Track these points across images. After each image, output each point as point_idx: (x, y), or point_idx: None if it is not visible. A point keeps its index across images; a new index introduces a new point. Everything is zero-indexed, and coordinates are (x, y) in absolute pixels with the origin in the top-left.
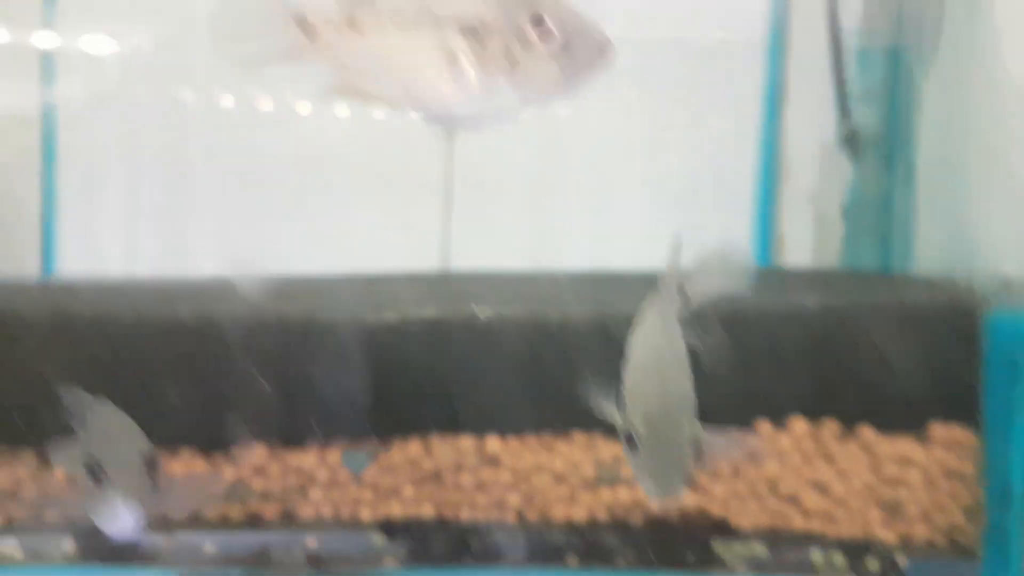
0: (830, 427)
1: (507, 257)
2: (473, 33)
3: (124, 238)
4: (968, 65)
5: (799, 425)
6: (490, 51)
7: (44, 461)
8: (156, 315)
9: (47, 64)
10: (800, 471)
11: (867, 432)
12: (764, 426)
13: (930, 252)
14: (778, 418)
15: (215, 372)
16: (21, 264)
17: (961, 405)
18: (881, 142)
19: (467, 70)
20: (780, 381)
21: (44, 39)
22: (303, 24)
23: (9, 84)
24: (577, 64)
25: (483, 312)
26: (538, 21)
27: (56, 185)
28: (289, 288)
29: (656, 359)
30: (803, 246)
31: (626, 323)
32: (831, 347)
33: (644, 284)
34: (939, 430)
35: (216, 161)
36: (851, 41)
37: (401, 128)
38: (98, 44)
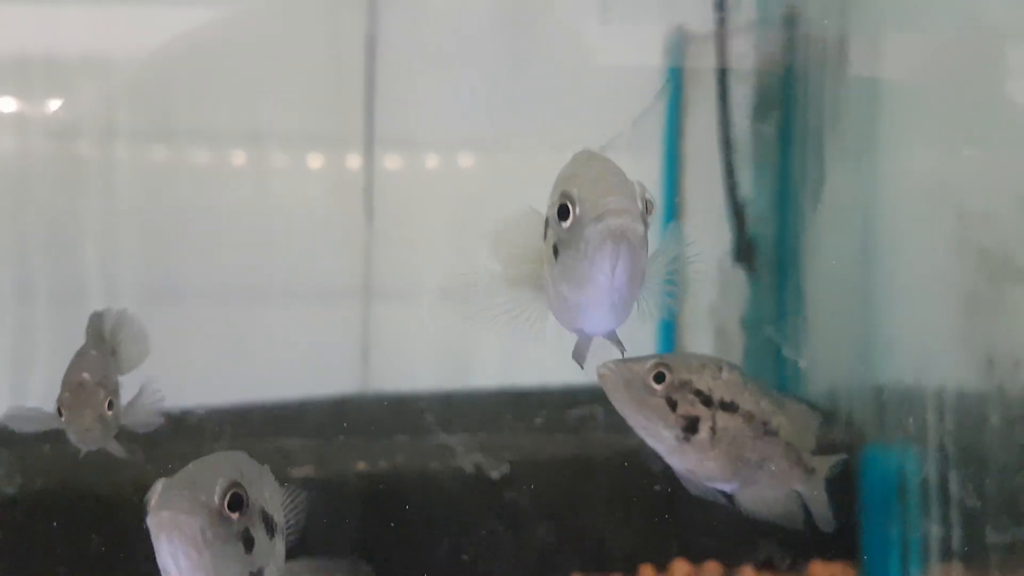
0: (711, 568)
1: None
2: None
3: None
4: (852, 192)
5: (681, 567)
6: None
7: None
8: None
9: None
10: None
11: (748, 572)
12: (647, 569)
13: (819, 369)
14: (660, 561)
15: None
16: None
17: (840, 543)
18: (773, 258)
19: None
20: (659, 523)
21: None
22: None
23: None
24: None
25: None
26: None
27: None
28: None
29: None
30: None
31: None
32: None
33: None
34: (819, 568)
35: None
36: (744, 158)
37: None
38: None
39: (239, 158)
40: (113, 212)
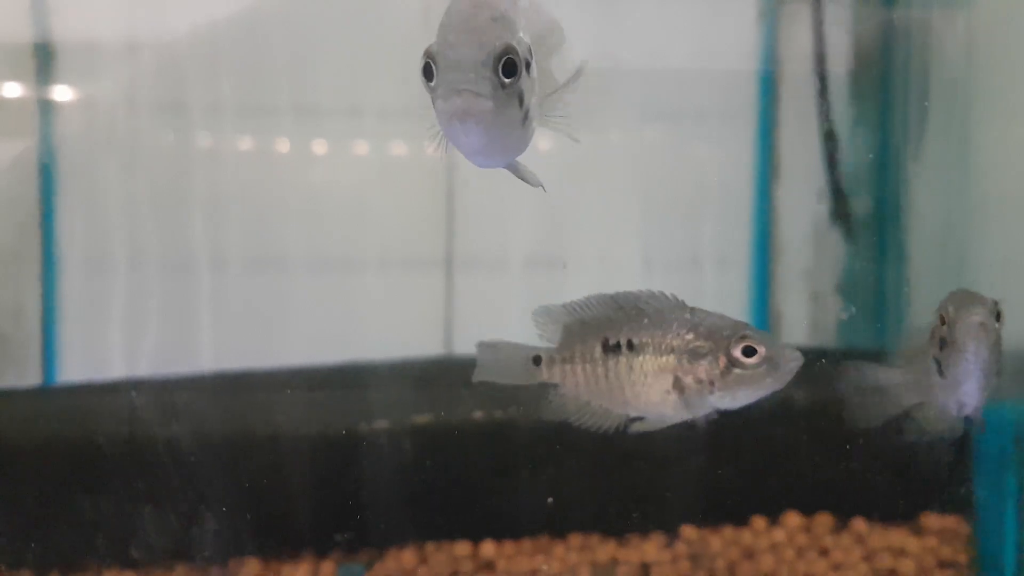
0: (823, 521)
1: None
2: (690, 356)
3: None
4: (954, 151)
5: (793, 519)
6: (703, 370)
7: None
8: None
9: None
10: (795, 565)
11: (860, 524)
12: (758, 521)
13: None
14: (772, 513)
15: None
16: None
17: (953, 495)
18: (872, 222)
19: (685, 386)
20: (772, 475)
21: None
22: (537, 361)
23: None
24: (777, 374)
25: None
26: (743, 343)
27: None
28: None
29: None
30: (800, 323)
31: None
32: (819, 440)
33: None
34: (932, 520)
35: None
36: (841, 122)
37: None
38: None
39: (335, 137)
40: (219, 186)
